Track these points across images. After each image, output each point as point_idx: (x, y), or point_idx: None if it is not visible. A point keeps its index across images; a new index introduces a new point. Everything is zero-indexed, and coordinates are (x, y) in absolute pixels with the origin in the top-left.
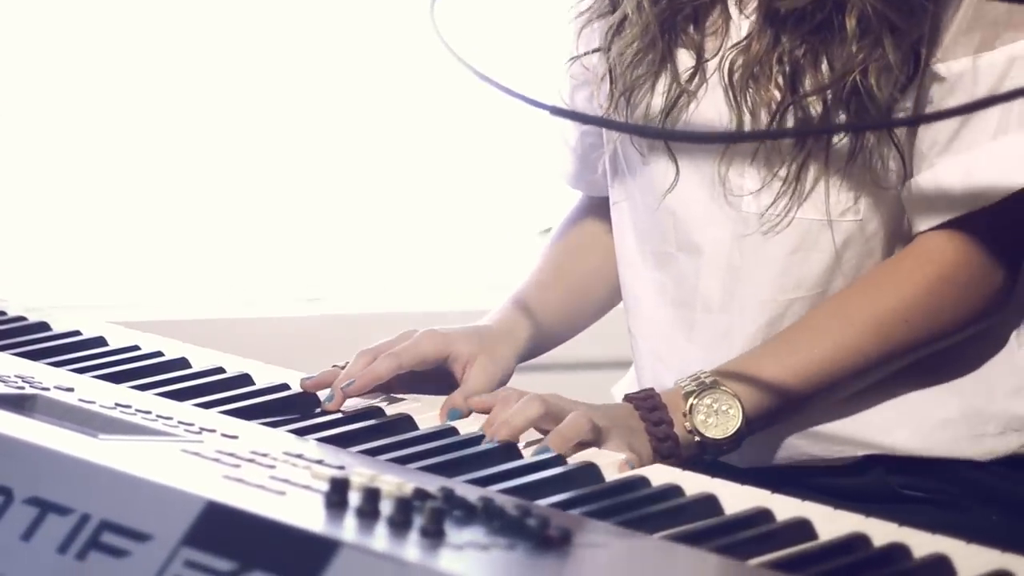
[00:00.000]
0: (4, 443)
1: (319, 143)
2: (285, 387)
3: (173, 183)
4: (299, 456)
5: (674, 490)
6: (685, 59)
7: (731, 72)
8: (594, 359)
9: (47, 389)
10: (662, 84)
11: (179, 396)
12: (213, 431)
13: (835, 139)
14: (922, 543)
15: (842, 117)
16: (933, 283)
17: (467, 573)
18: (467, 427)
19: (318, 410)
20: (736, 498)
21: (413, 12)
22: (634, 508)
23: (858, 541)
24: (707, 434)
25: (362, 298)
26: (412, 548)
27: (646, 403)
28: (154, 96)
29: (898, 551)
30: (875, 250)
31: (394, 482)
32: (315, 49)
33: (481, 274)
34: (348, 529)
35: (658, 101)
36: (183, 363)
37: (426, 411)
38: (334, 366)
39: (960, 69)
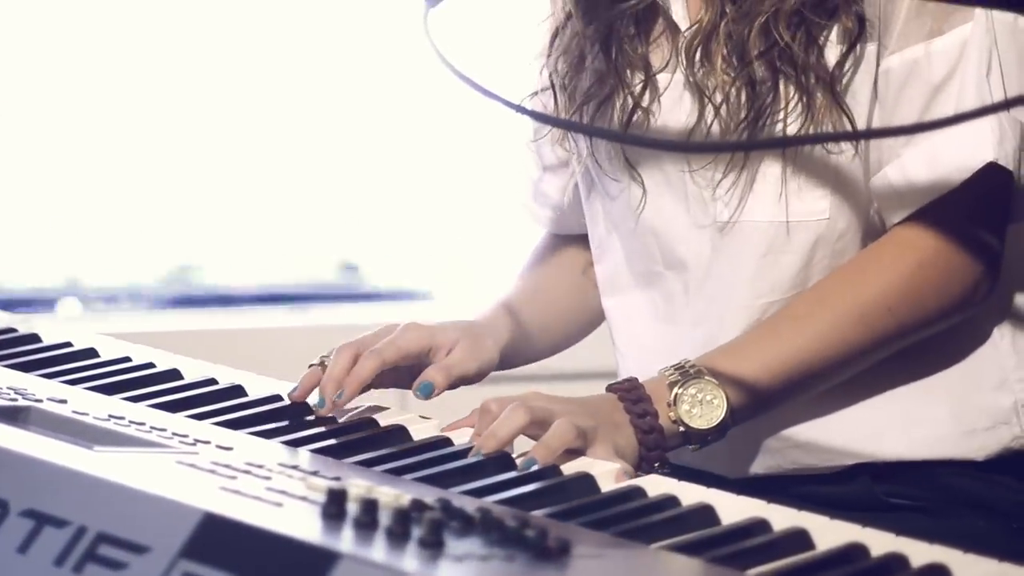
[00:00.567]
0: None
1: (304, 159)
2: (278, 398)
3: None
4: (294, 467)
5: (670, 500)
6: (635, 76)
7: (689, 58)
8: (580, 370)
9: (40, 401)
10: (617, 104)
11: (172, 408)
12: (208, 443)
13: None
14: (920, 553)
15: (792, 90)
16: (915, 270)
17: None
18: (460, 438)
19: (310, 417)
20: (733, 508)
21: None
22: (631, 518)
23: (856, 551)
24: (692, 424)
25: (349, 309)
26: (411, 559)
27: (631, 395)
28: (136, 118)
29: (896, 561)
30: (846, 250)
31: (391, 493)
32: (301, 63)
33: (469, 287)
34: (346, 540)
35: (615, 119)
36: (175, 374)
37: (419, 422)
38: (311, 365)
39: (914, 56)
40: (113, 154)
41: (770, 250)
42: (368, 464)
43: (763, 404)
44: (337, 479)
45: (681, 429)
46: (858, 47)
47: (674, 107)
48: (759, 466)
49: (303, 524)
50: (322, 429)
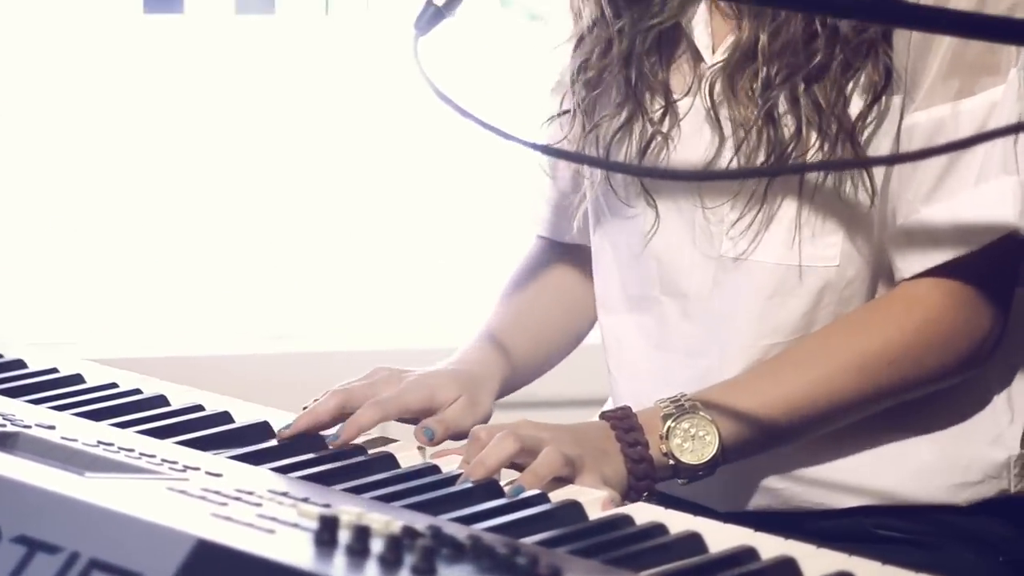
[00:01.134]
0: None
1: (288, 184)
2: (265, 424)
3: (142, 222)
4: (284, 494)
5: (658, 528)
6: (654, 101)
7: (712, 101)
8: (572, 397)
9: (28, 427)
10: (636, 129)
11: (160, 434)
12: (197, 469)
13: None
14: None
15: (813, 136)
16: (920, 327)
17: None
18: (449, 465)
19: (288, 441)
20: (720, 536)
21: (383, 48)
22: (619, 546)
23: None
24: (682, 459)
25: (330, 336)
26: None
27: (623, 423)
28: (126, 139)
29: None
30: (854, 297)
31: (382, 520)
32: (283, 85)
33: (447, 312)
34: (339, 567)
35: (634, 145)
36: (162, 400)
37: (407, 449)
38: (304, 408)
39: (940, 115)
40: (85, 196)
41: (777, 292)
42: (357, 491)
43: (756, 446)
44: (328, 506)
45: (671, 462)
46: (883, 99)
47: (693, 135)
48: (753, 504)
49: (296, 551)
50: (311, 456)
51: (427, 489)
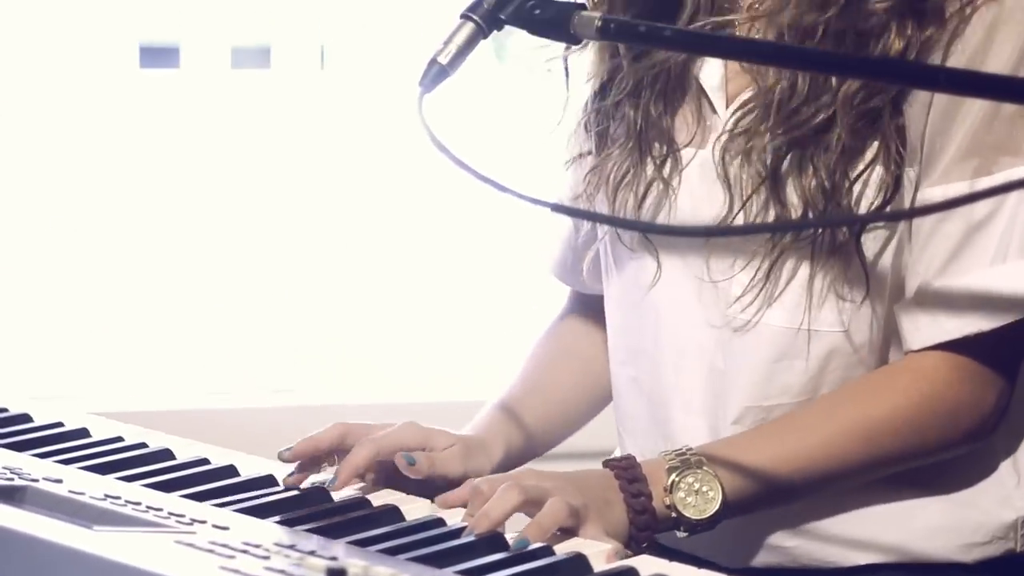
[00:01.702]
0: None
1: (288, 237)
2: (270, 477)
3: (145, 275)
4: (291, 547)
5: None
6: (660, 148)
7: (722, 159)
8: (577, 449)
9: (36, 480)
10: (642, 177)
11: (166, 487)
12: (204, 522)
13: (813, 239)
14: None
15: (821, 204)
16: (926, 399)
17: None
18: (453, 517)
19: (295, 491)
20: None
21: (379, 101)
22: None
23: None
24: (685, 513)
25: (332, 389)
26: None
27: (627, 473)
28: (124, 193)
29: None
30: (861, 363)
31: (388, 572)
32: (279, 139)
33: (454, 367)
34: None
35: (639, 193)
36: (167, 454)
37: (411, 501)
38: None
39: (956, 194)
40: (88, 252)
41: (784, 355)
42: (363, 544)
43: (759, 504)
44: (334, 559)
45: (673, 515)
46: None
47: (699, 189)
48: (759, 560)
49: None
50: (316, 509)
51: (432, 542)
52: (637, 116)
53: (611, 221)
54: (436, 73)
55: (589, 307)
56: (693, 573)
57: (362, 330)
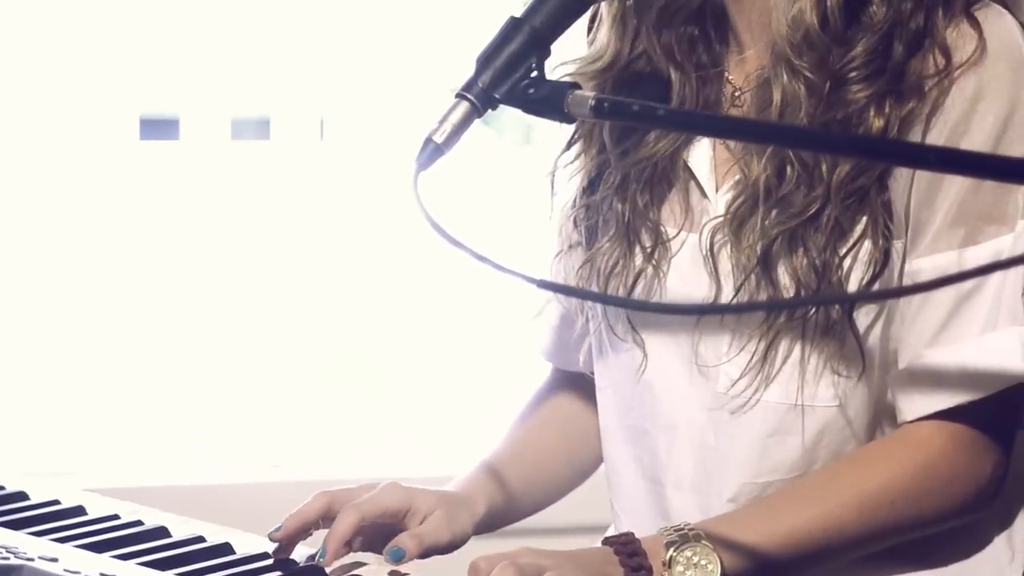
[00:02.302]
0: None
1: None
2: (265, 556)
3: (140, 351)
4: None
5: None
6: (648, 236)
7: (711, 244)
8: (575, 524)
9: (31, 559)
10: (631, 267)
11: (162, 565)
12: None
13: (807, 317)
14: None
15: (813, 283)
16: (921, 470)
17: None
18: None
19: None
20: None
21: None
22: None
23: None
24: None
25: (327, 464)
26: None
27: (626, 547)
28: (124, 265)
29: None
30: (854, 436)
31: None
32: (279, 210)
33: (447, 442)
34: None
35: (630, 279)
36: (163, 532)
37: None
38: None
39: (945, 263)
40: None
41: (777, 431)
42: None
43: None
44: None
45: None
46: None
47: (689, 273)
48: None
49: None
50: None
51: None
52: (625, 209)
53: (605, 300)
54: (431, 151)
55: (574, 380)
56: None
57: (358, 406)
